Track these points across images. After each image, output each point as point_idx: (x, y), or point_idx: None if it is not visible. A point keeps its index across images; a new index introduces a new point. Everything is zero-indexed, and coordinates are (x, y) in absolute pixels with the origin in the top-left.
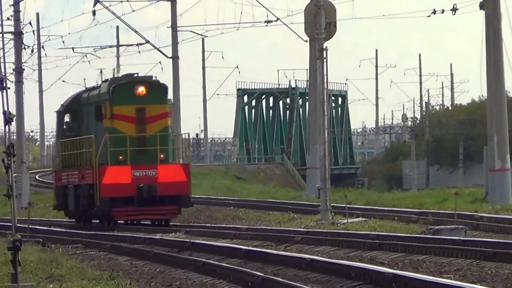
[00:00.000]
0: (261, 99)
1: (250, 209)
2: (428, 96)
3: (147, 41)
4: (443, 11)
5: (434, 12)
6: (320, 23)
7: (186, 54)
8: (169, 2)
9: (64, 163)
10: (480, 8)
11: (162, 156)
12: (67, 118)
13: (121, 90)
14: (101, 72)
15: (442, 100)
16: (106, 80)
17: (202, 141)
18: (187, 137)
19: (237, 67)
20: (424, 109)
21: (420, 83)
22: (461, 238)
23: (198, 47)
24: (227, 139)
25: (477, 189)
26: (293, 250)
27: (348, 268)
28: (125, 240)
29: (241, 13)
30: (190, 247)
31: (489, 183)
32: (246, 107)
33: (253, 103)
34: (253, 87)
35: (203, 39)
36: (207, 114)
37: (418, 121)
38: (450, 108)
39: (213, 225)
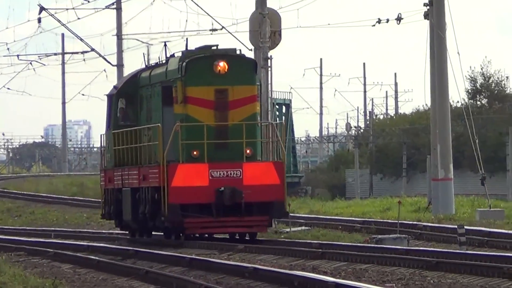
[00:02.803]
0: None
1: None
2: (372, 105)
3: (92, 49)
4: (387, 21)
5: (379, 21)
6: (264, 32)
7: (131, 62)
8: (115, 10)
9: (118, 160)
10: (425, 18)
11: (248, 151)
12: (121, 104)
13: (196, 67)
14: (165, 45)
15: (386, 109)
16: (172, 55)
17: None
18: (280, 126)
19: None
20: (368, 118)
21: (364, 92)
22: (404, 247)
23: None
24: None
25: (420, 198)
26: (236, 259)
27: (291, 277)
28: (69, 247)
29: (186, 21)
30: (133, 255)
31: (432, 192)
32: None
33: None
34: None
35: (148, 47)
36: None
37: (361, 130)
38: (394, 117)
39: (157, 233)
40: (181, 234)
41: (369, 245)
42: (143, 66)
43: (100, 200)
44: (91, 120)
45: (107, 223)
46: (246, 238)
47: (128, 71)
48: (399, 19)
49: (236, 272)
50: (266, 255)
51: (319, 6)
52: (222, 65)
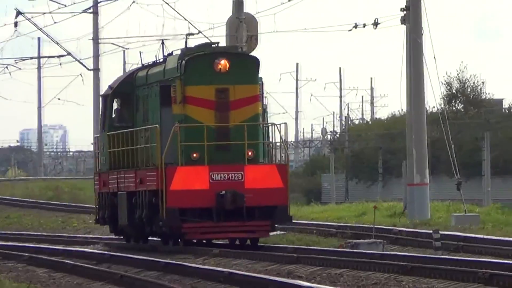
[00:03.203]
0: None
1: None
2: (348, 110)
3: (69, 53)
4: (364, 25)
5: (356, 26)
6: (241, 37)
7: (108, 66)
8: (91, 15)
9: (113, 162)
10: (402, 23)
11: (250, 153)
12: (116, 104)
13: (196, 65)
14: (162, 43)
15: (362, 114)
16: (170, 54)
17: None
18: (284, 127)
19: None
20: (343, 123)
21: (340, 97)
22: (379, 252)
23: (120, 59)
24: None
25: (395, 203)
26: (211, 263)
27: (266, 282)
28: (44, 252)
29: (163, 25)
30: (109, 260)
31: (408, 197)
32: None
33: None
34: None
35: (124, 51)
36: None
37: (337, 135)
38: (369, 122)
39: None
40: (179, 240)
41: (344, 249)
42: (124, 68)
43: (93, 205)
44: (67, 124)
45: (82, 227)
46: (247, 243)
47: (104, 75)
48: (375, 24)
49: (211, 277)
50: (241, 260)
51: (296, 11)
52: (223, 63)
